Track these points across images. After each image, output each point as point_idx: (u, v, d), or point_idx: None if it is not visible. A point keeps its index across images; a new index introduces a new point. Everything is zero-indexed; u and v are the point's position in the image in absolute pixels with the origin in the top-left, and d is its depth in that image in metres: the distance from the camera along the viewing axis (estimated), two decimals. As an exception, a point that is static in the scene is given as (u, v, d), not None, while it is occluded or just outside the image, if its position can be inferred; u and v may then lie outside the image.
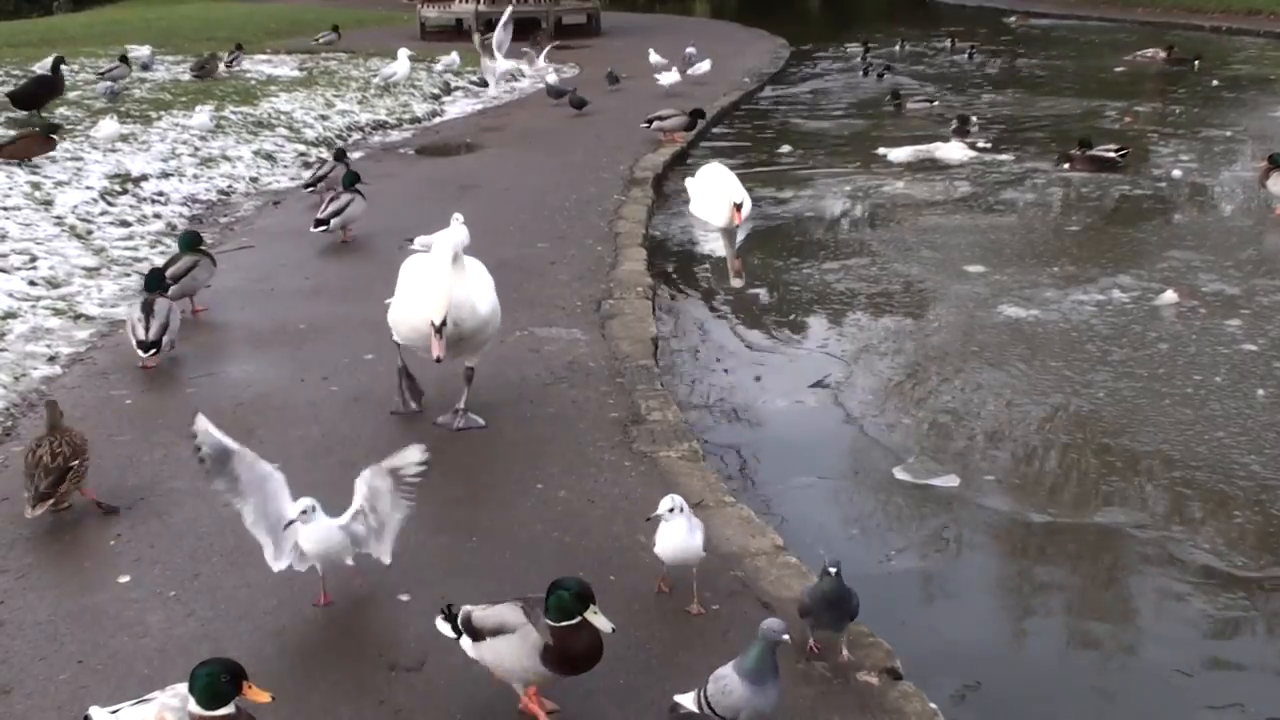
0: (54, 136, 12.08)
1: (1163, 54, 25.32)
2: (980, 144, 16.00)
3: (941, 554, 5.77)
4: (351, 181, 10.60)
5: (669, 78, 19.86)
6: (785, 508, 6.10)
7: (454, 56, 23.04)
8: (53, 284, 8.86)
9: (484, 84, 15.63)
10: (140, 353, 7.19)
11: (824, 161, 15.58)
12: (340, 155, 12.73)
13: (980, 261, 10.45)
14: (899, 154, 15.27)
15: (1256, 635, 5.07)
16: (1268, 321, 8.70)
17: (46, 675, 4.26)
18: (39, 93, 14.70)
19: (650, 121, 16.09)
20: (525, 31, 30.68)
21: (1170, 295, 9.14)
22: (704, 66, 21.80)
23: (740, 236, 11.77)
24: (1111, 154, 14.24)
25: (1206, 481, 6.30)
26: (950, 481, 6.32)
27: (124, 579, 4.92)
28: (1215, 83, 22.08)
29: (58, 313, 8.33)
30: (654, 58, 21.10)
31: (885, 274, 10.29)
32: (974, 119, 17.48)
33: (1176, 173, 14.05)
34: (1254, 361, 7.94)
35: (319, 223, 10.30)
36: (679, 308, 9.66)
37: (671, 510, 4.61)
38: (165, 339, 7.26)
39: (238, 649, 4.36)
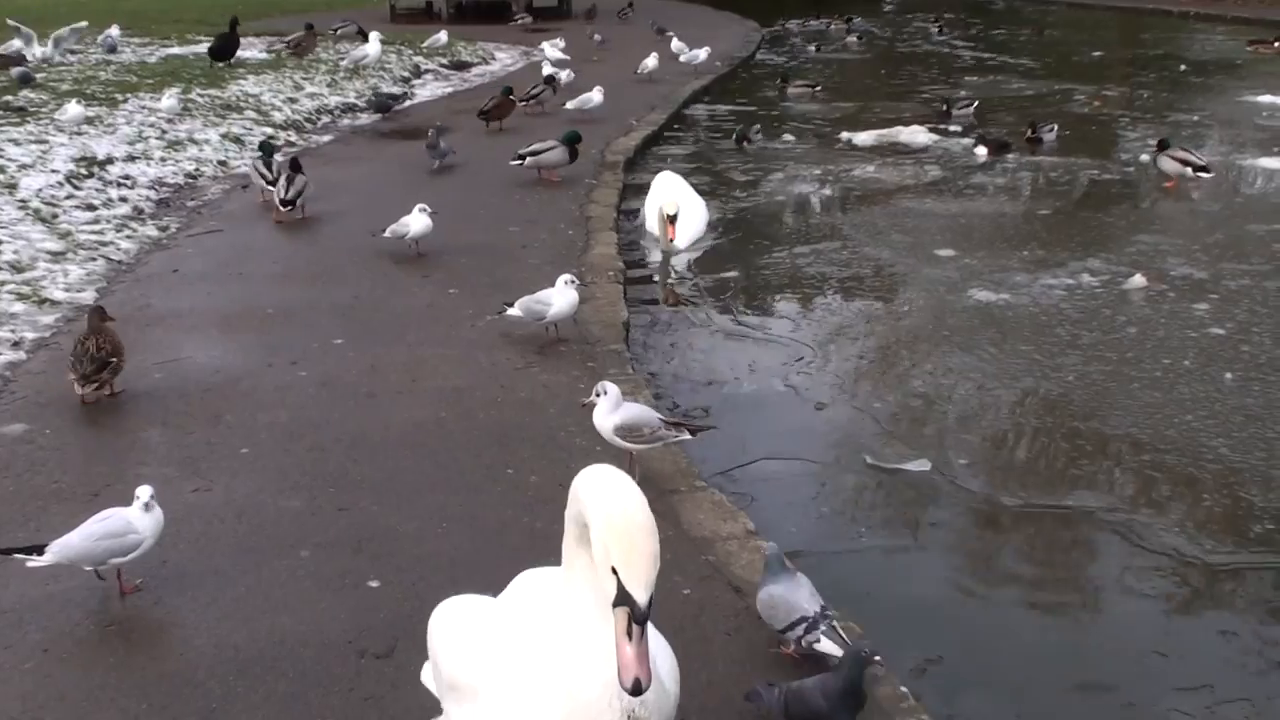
0: (512, 98, 15.30)
1: None
2: (953, 128, 16.04)
3: (911, 535, 5.78)
4: (572, 139, 12.18)
5: (567, 73, 18.82)
6: (756, 492, 6.09)
7: (442, 35, 22.97)
8: (16, 268, 8.73)
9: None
10: (280, 208, 10.12)
11: (794, 145, 15.57)
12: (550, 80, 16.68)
13: (950, 245, 10.48)
14: (863, 138, 15.33)
15: (1226, 617, 5.10)
16: (1235, 305, 8.77)
17: (12, 664, 4.21)
18: (228, 46, 18.67)
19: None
20: (497, 16, 30.58)
21: (1139, 279, 9.19)
22: (700, 55, 21.43)
23: (689, 258, 10.45)
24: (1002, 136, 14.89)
25: (1175, 464, 6.34)
26: (922, 465, 6.33)
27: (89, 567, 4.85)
28: (1183, 68, 22.21)
29: (22, 297, 8.21)
30: (550, 52, 20.44)
31: (856, 258, 10.31)
32: (972, 105, 17.36)
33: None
34: (1222, 345, 8.00)
35: (519, 157, 12.14)
36: (650, 292, 9.63)
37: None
38: (300, 200, 10.12)
39: (204, 636, 4.33)
